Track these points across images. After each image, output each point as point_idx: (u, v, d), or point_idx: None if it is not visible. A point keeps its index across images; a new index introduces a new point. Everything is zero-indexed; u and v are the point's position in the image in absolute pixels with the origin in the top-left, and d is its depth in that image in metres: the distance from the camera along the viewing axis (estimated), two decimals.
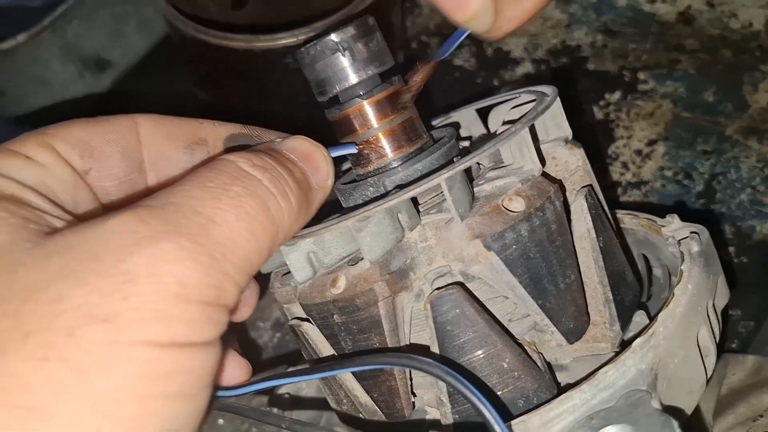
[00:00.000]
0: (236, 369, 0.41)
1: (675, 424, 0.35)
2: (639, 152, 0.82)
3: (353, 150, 0.47)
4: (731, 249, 0.74)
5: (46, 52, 0.82)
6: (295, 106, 0.63)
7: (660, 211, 0.55)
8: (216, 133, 0.46)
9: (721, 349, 0.52)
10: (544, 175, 0.45)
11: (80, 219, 0.38)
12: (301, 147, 0.42)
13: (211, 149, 0.45)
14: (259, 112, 0.72)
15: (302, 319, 0.48)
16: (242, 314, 0.45)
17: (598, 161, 0.81)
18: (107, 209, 0.43)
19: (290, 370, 0.55)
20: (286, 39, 0.64)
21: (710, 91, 0.86)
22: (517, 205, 0.43)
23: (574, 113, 0.82)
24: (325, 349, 0.47)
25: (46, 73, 0.84)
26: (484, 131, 0.58)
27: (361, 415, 0.48)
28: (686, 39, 0.91)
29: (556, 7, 0.96)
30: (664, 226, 0.53)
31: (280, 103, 0.69)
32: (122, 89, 0.91)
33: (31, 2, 0.97)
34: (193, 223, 0.33)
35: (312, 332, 0.47)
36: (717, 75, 0.87)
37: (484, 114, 0.58)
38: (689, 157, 0.81)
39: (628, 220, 0.57)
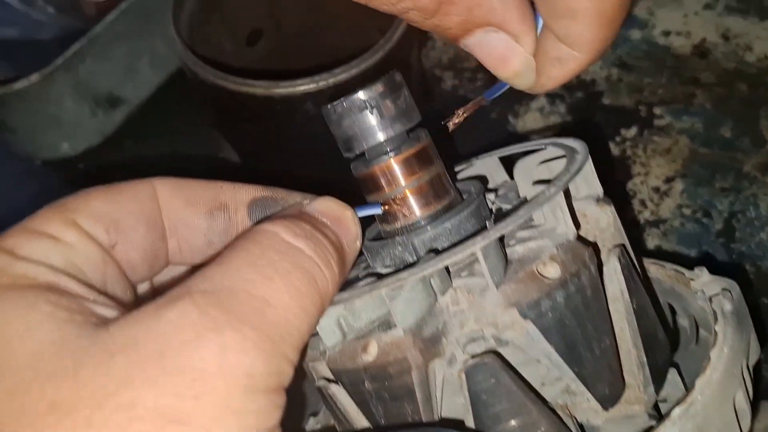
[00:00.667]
0: None
1: None
2: (657, 189, 0.81)
3: (378, 210, 0.46)
4: (754, 289, 0.73)
5: (58, 91, 0.81)
6: (312, 151, 0.63)
7: (680, 254, 0.55)
8: (237, 197, 0.45)
9: (754, 407, 0.51)
10: (579, 237, 0.45)
11: (114, 299, 0.37)
12: (331, 210, 0.42)
13: (231, 214, 0.45)
14: (277, 156, 0.72)
15: (330, 380, 0.47)
16: None
17: (616, 199, 0.80)
18: (134, 284, 0.42)
19: None
20: (305, 85, 0.63)
21: (727, 127, 0.85)
22: (552, 271, 0.42)
23: (590, 150, 0.82)
24: (354, 412, 0.46)
25: (59, 112, 0.83)
26: (507, 179, 0.58)
27: None
28: (701, 72, 0.90)
29: None
30: (692, 280, 0.52)
31: (298, 148, 0.69)
32: (134, 126, 0.91)
33: (42, 36, 0.97)
34: (251, 309, 0.33)
35: (341, 395, 0.47)
36: (733, 109, 0.87)
37: (505, 160, 0.57)
38: (708, 194, 0.80)
39: (654, 269, 0.56)
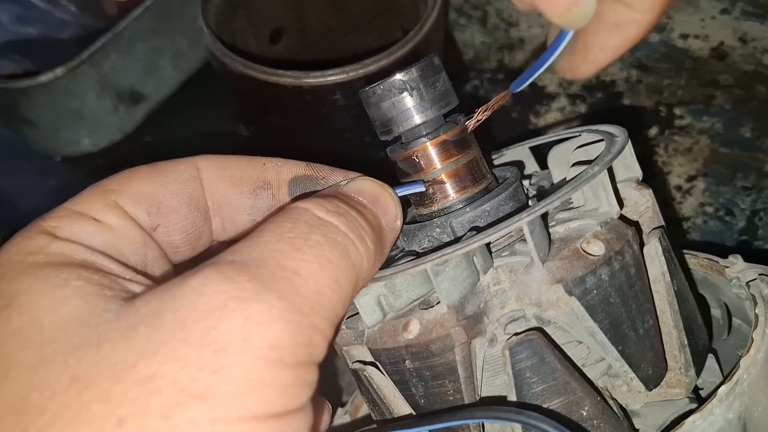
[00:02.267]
0: (321, 414, 0.40)
1: None
2: (679, 188, 0.81)
3: (421, 188, 0.46)
4: None
5: (82, 85, 0.81)
6: (341, 141, 0.63)
7: (703, 248, 0.55)
8: (279, 174, 0.44)
9: None
10: (620, 217, 0.45)
11: (153, 279, 0.36)
12: (369, 189, 0.41)
13: (274, 192, 0.44)
14: (303, 147, 0.72)
15: (365, 363, 0.47)
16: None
17: None
18: (176, 265, 0.42)
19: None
20: (335, 76, 0.63)
21: (747, 127, 0.85)
22: (597, 248, 0.42)
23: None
24: (391, 394, 0.46)
25: (81, 107, 0.84)
26: (538, 169, 0.58)
27: None
28: (720, 75, 0.91)
29: None
30: (727, 267, 0.52)
31: (327, 138, 0.69)
32: (155, 123, 0.91)
33: (64, 34, 0.97)
34: (279, 278, 0.32)
35: (377, 377, 0.46)
36: (753, 111, 0.87)
37: (535, 150, 0.57)
38: (729, 193, 0.80)
39: (687, 259, 0.56)
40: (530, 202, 0.45)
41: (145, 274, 0.37)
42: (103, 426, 0.27)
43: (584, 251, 0.42)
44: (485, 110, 0.46)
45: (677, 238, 0.78)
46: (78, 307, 0.31)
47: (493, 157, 0.59)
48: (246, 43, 0.78)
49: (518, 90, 0.45)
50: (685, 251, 0.56)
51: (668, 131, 0.86)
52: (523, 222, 0.40)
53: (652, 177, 0.82)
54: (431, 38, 0.69)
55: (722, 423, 0.39)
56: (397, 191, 0.43)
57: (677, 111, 0.88)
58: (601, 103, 0.90)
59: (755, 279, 0.49)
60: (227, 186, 0.43)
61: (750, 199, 0.79)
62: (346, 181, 0.43)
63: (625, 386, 0.45)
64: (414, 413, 0.45)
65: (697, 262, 0.56)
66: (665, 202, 0.80)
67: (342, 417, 0.60)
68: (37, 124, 0.84)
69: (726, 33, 0.95)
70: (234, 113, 0.79)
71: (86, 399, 0.28)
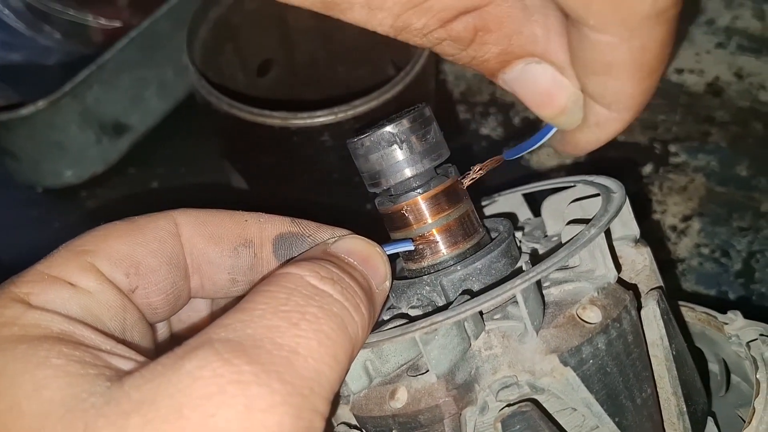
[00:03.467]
0: None
1: None
2: (674, 228, 0.80)
3: (410, 247, 0.44)
4: None
5: (64, 118, 0.79)
6: (327, 183, 0.61)
7: (698, 290, 0.53)
8: (263, 232, 0.42)
9: None
10: (618, 280, 0.43)
11: (132, 346, 0.34)
12: (358, 248, 0.40)
13: (257, 250, 0.42)
14: (289, 187, 0.70)
15: (351, 426, 0.45)
16: None
17: None
18: (153, 325, 0.40)
19: None
20: (324, 117, 0.61)
21: (743, 165, 0.84)
22: (593, 315, 0.40)
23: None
24: None
25: (64, 139, 0.82)
26: (531, 216, 0.56)
27: None
28: (716, 111, 0.89)
29: None
30: (726, 324, 0.50)
31: (315, 178, 0.67)
32: (139, 154, 0.89)
33: (48, 61, 0.95)
34: (277, 358, 0.30)
35: None
36: (749, 148, 0.86)
37: (528, 196, 0.56)
38: (725, 234, 0.79)
39: (684, 312, 0.54)
40: (522, 261, 0.43)
41: (124, 342, 0.35)
42: None
43: (580, 318, 0.40)
44: (479, 170, 0.44)
45: (673, 280, 0.76)
46: (61, 390, 0.29)
47: (485, 203, 0.57)
48: (234, 76, 0.76)
49: (510, 159, 0.44)
50: (682, 303, 0.54)
51: (663, 169, 0.85)
52: (516, 290, 0.38)
53: (647, 216, 0.81)
54: (423, 76, 0.67)
55: None
56: (385, 249, 0.41)
57: (672, 148, 0.86)
58: None
59: (756, 339, 0.47)
60: (207, 243, 0.41)
61: (746, 240, 0.78)
62: (333, 239, 0.41)
63: None
64: None
65: (695, 315, 0.54)
66: (660, 242, 0.79)
67: None
68: (19, 156, 0.82)
69: (721, 68, 0.93)
70: (220, 150, 0.77)
71: None
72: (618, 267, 0.43)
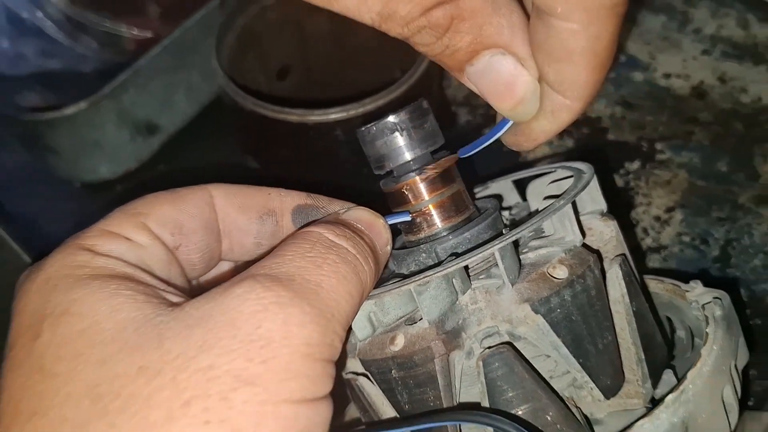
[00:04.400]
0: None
1: None
2: (658, 218, 0.87)
3: (407, 218, 0.52)
4: (748, 311, 0.78)
5: (102, 118, 0.88)
6: (342, 172, 0.68)
7: (679, 274, 0.59)
8: (283, 203, 0.50)
9: (742, 406, 0.56)
10: (584, 245, 0.50)
11: (177, 289, 0.42)
12: (364, 217, 0.48)
13: (278, 219, 0.50)
14: (306, 178, 0.78)
15: (357, 374, 0.52)
16: None
17: (620, 226, 0.86)
18: (191, 280, 0.48)
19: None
20: (337, 114, 0.69)
21: (723, 162, 0.91)
22: (561, 272, 0.48)
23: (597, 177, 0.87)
24: (380, 401, 0.51)
25: (101, 137, 0.90)
26: (520, 200, 0.63)
27: None
28: (700, 112, 0.96)
29: None
30: (688, 291, 0.57)
31: (329, 170, 0.75)
32: (169, 152, 0.97)
33: (84, 68, 1.04)
34: (307, 289, 0.38)
35: (367, 386, 0.52)
36: (729, 146, 0.93)
37: (518, 183, 0.63)
38: (705, 223, 0.85)
39: (653, 284, 0.61)
40: (504, 231, 0.51)
41: (173, 287, 0.42)
42: (171, 407, 0.33)
43: (550, 275, 0.48)
44: (433, 167, 0.51)
45: (654, 265, 0.83)
46: (132, 312, 0.36)
47: (478, 189, 0.64)
48: (256, 80, 0.84)
49: (465, 156, 0.51)
50: (653, 277, 0.61)
51: (649, 165, 0.92)
52: (495, 249, 0.46)
53: (634, 207, 0.88)
54: (425, 78, 0.75)
55: (667, 426, 0.44)
56: (387, 219, 0.49)
57: (658, 146, 0.93)
58: (587, 138, 0.96)
59: (710, 302, 0.54)
60: (236, 212, 0.49)
61: (724, 229, 0.85)
62: (344, 210, 0.49)
63: (588, 396, 0.50)
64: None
65: (663, 287, 0.61)
66: (645, 231, 0.86)
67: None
68: (60, 153, 0.90)
69: (706, 73, 1.01)
70: (243, 146, 0.85)
71: (155, 386, 0.33)
72: (583, 233, 0.50)
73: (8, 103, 0.93)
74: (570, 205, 0.49)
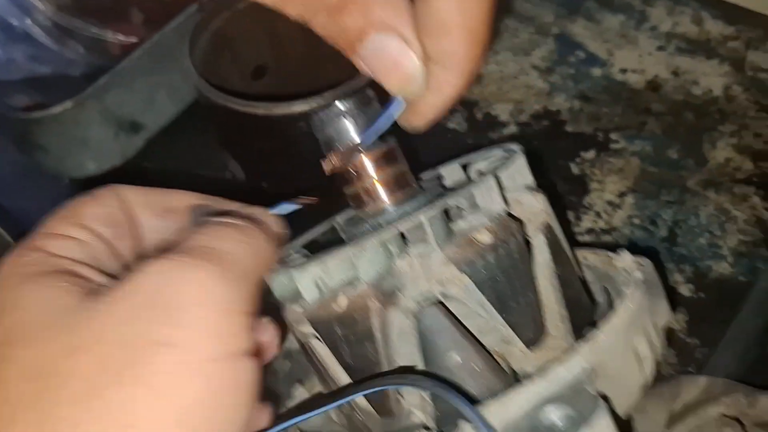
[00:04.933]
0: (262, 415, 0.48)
1: (604, 404, 0.45)
2: (610, 203, 0.92)
3: (293, 207, 0.55)
4: (691, 286, 0.83)
5: (87, 116, 0.93)
6: (307, 162, 0.72)
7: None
8: (182, 202, 0.53)
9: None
10: (510, 216, 0.56)
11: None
12: (253, 210, 0.52)
13: (179, 216, 0.52)
14: (276, 168, 0.83)
15: (309, 336, 0.58)
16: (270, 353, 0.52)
17: (575, 210, 0.92)
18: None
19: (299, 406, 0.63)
20: (299, 106, 0.75)
21: (674, 149, 0.96)
22: (486, 238, 0.53)
23: (554, 169, 0.93)
24: (329, 359, 0.56)
25: (86, 135, 0.95)
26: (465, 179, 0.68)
27: (357, 415, 0.57)
28: (653, 104, 1.02)
29: (539, 77, 1.08)
30: (616, 260, 0.62)
31: (295, 159, 0.80)
32: (153, 150, 1.03)
33: (72, 72, 1.10)
34: (212, 255, 0.41)
35: (318, 347, 0.57)
36: (680, 135, 0.98)
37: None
38: (654, 206, 0.91)
39: (591, 257, 0.66)
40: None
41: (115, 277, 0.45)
42: (99, 379, 0.36)
43: (476, 240, 0.53)
44: (337, 158, 0.56)
45: (606, 245, 0.88)
46: (68, 300, 0.39)
47: (428, 171, 0.70)
48: (231, 80, 0.89)
49: (367, 143, 0.55)
50: (590, 249, 0.67)
51: (604, 153, 0.97)
52: (422, 217, 0.51)
53: (587, 194, 0.93)
54: None
55: (578, 370, 0.49)
56: (283, 206, 0.54)
57: (613, 136, 0.99)
58: (547, 129, 1.01)
59: (633, 266, 0.60)
60: (142, 209, 0.51)
61: (672, 211, 0.90)
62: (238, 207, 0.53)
63: (517, 351, 0.55)
64: (347, 375, 0.56)
65: (598, 258, 0.66)
66: (598, 214, 0.91)
67: (300, 391, 0.70)
68: (48, 150, 0.95)
69: (661, 67, 1.06)
70: (219, 141, 0.90)
71: (84, 361, 0.36)
72: (507, 203, 0.56)
73: (0, 105, 0.98)
74: (492, 177, 0.54)
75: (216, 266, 0.40)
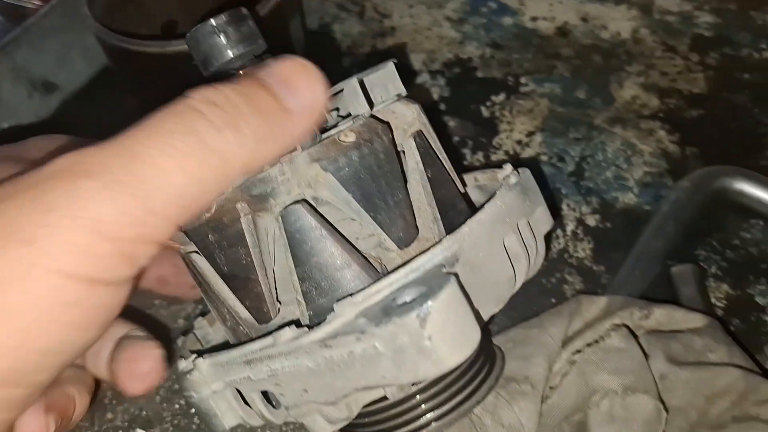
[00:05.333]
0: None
1: (454, 279, 0.46)
2: (519, 142, 0.94)
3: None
4: (597, 217, 0.85)
5: None
6: None
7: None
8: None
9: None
10: (376, 118, 0.56)
11: None
12: (281, 70, 0.43)
13: None
14: None
15: (188, 251, 0.58)
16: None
17: (485, 151, 0.93)
18: None
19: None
20: None
21: (582, 90, 0.98)
22: (349, 137, 0.54)
23: (465, 113, 0.95)
24: (206, 270, 0.57)
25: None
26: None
27: (240, 327, 0.57)
28: (563, 48, 1.04)
29: (452, 28, 1.09)
30: (499, 174, 0.64)
31: None
32: (68, 110, 1.03)
33: None
34: (118, 161, 0.36)
35: (198, 260, 0.57)
36: (588, 76, 1.00)
37: None
38: (562, 144, 0.93)
39: (481, 177, 0.68)
40: None
41: None
42: None
43: (339, 140, 0.54)
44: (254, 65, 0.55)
45: None
46: None
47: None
48: (139, 35, 0.90)
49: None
50: (479, 170, 0.68)
51: (514, 96, 0.99)
52: None
53: (496, 134, 0.95)
54: (277, 12, 0.81)
55: (440, 258, 0.50)
56: None
57: (523, 80, 1.01)
58: (458, 76, 1.03)
59: (510, 175, 0.61)
60: None
61: (579, 148, 0.92)
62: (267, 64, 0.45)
63: (391, 253, 0.56)
64: (225, 284, 0.56)
65: (485, 176, 0.67)
66: (507, 153, 0.92)
67: (204, 325, 0.70)
68: None
69: (570, 14, 1.08)
70: (123, 87, 0.91)
71: None
72: (371, 106, 0.56)
73: None
74: (356, 81, 0.55)
75: (111, 181, 0.36)
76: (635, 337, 0.71)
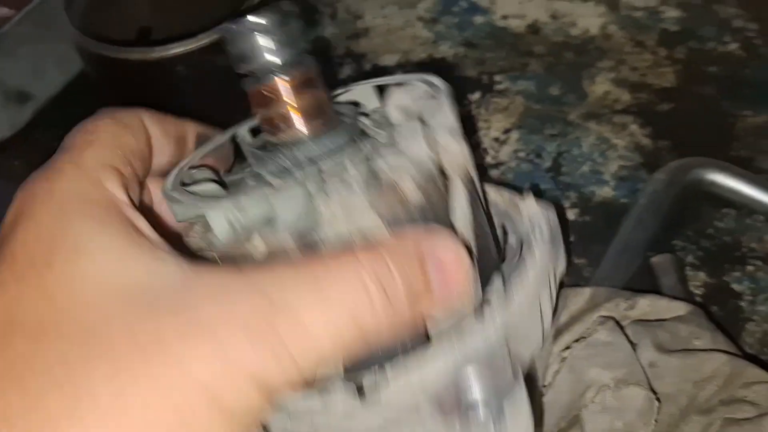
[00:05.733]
0: None
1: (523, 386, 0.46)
2: (497, 139, 0.97)
3: (222, 140, 0.56)
4: (576, 211, 0.90)
5: None
6: (185, 110, 0.71)
7: (516, 184, 0.67)
8: (192, 131, 0.55)
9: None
10: (432, 161, 0.52)
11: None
12: (438, 251, 0.41)
13: (189, 143, 0.55)
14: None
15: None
16: None
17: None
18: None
19: None
20: (176, 48, 0.75)
21: (556, 86, 1.02)
22: (410, 187, 0.50)
23: None
24: None
25: None
26: (379, 105, 0.63)
27: None
28: (535, 46, 1.08)
29: (425, 27, 1.12)
30: (521, 205, 0.60)
31: (179, 107, 0.80)
32: (43, 119, 1.01)
33: None
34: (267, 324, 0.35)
35: None
36: (561, 73, 1.04)
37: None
38: (539, 140, 0.97)
39: (493, 194, 0.66)
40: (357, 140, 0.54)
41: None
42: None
43: (399, 188, 0.49)
44: (296, 72, 0.52)
45: (495, 178, 0.93)
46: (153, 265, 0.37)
47: (340, 91, 0.64)
48: (115, 42, 0.89)
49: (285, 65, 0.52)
50: (495, 186, 0.65)
51: (489, 95, 1.02)
52: (349, 161, 0.50)
53: (474, 133, 0.98)
54: None
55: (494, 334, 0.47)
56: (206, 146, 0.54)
57: (497, 78, 1.04)
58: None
59: (540, 216, 0.60)
60: (161, 135, 0.51)
61: (555, 144, 0.96)
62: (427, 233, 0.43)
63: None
64: None
65: (501, 198, 0.66)
66: (485, 151, 0.96)
67: None
68: None
69: (540, 12, 1.12)
70: (107, 96, 0.90)
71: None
72: (434, 151, 0.52)
73: None
74: (418, 121, 0.53)
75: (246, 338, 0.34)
76: (621, 327, 0.74)
